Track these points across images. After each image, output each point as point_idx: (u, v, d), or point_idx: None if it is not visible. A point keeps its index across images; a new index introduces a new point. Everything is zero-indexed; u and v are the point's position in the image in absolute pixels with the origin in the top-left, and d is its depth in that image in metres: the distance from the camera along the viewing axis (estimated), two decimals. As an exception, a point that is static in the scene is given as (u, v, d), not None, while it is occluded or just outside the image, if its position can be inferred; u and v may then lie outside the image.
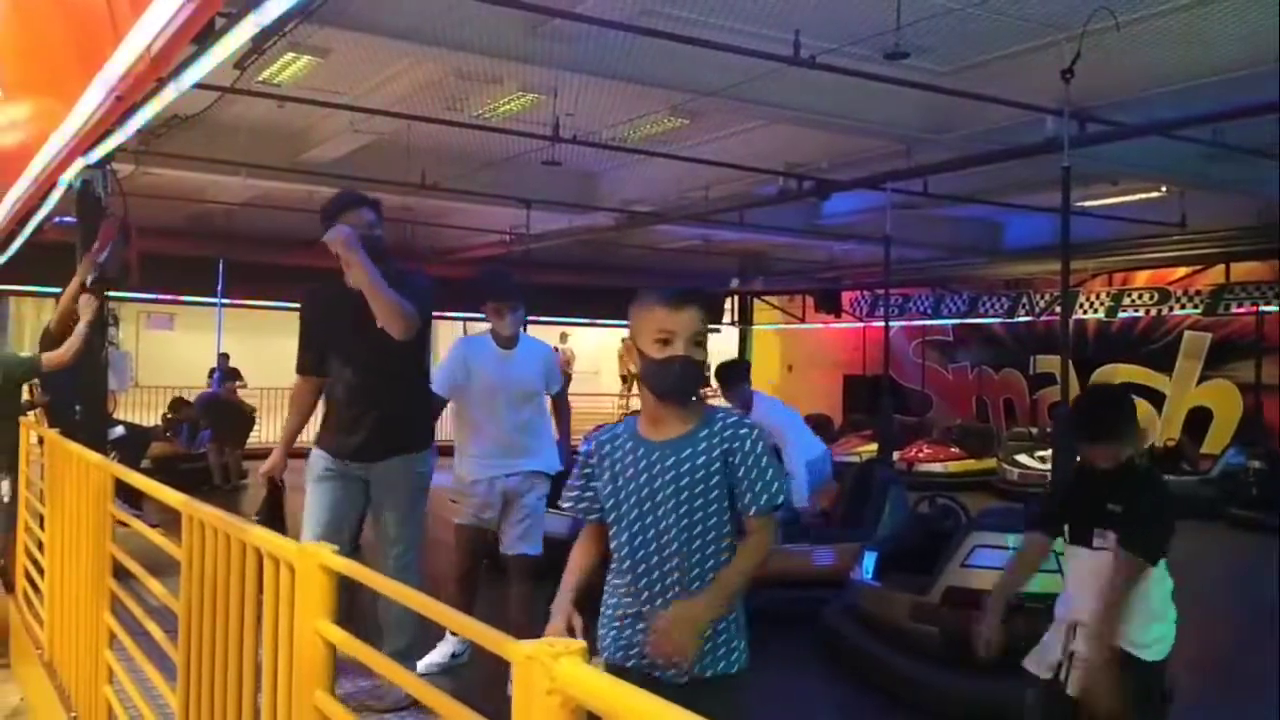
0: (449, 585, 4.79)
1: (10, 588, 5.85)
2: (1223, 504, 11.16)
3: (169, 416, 12.99)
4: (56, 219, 6.58)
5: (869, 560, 5.78)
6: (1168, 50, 6.88)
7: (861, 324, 18.60)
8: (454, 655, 4.83)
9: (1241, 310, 13.48)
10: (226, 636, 2.39)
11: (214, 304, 16.15)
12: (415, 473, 4.04)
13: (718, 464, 2.28)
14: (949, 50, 7.13)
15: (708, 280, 18.30)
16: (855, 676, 5.42)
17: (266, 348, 13.13)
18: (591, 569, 2.44)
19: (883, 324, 11.46)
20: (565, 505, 2.50)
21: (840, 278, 18.13)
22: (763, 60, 6.55)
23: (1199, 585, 6.50)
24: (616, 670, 2.28)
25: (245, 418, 12.85)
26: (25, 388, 6.39)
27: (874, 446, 12.84)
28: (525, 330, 4.96)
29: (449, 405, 4.90)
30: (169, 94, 3.92)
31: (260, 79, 7.86)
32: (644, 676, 2.26)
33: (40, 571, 4.90)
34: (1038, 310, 15.81)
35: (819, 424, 11.99)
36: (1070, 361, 7.34)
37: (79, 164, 5.16)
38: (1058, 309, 14.46)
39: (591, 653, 1.29)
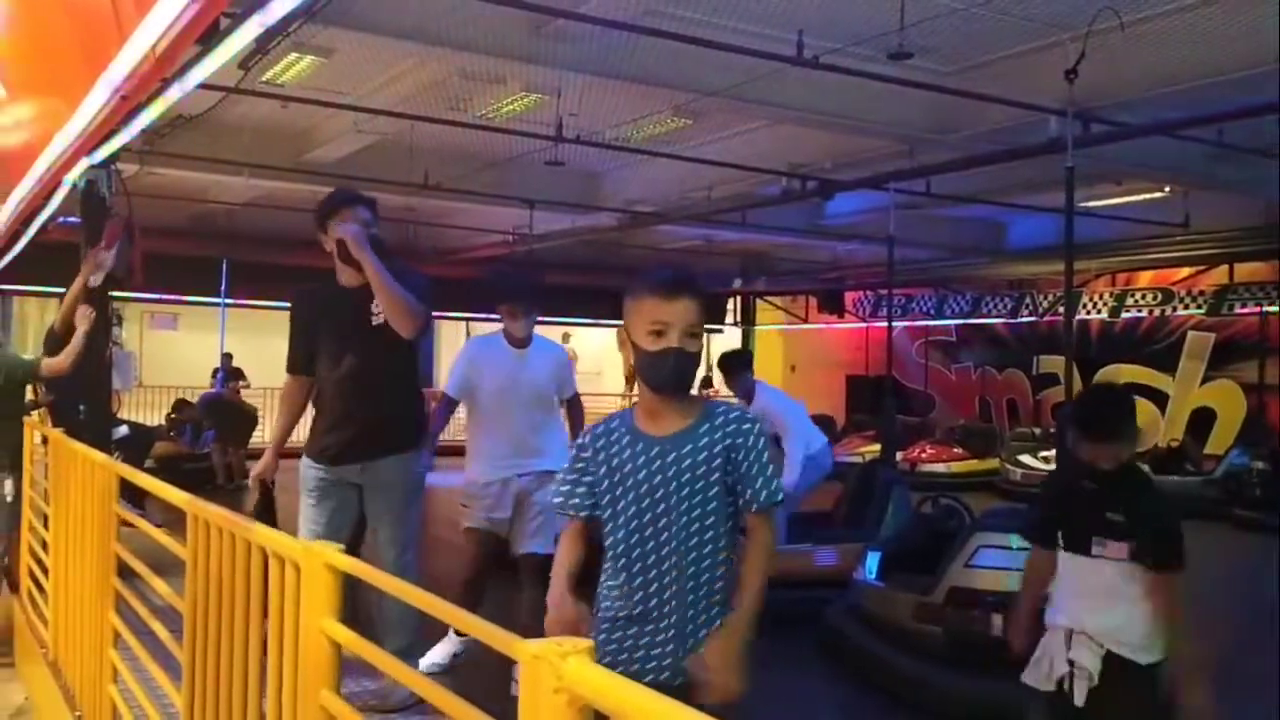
0: (456, 588, 4.74)
1: (14, 587, 5.85)
2: (1226, 505, 11.16)
3: (173, 416, 13.02)
4: (60, 219, 6.58)
5: (872, 560, 5.78)
6: (1172, 50, 6.87)
7: (864, 324, 18.60)
8: (455, 656, 4.82)
9: (1245, 311, 13.48)
10: (232, 636, 2.40)
11: (217, 304, 16.17)
12: (408, 472, 4.00)
13: (720, 459, 2.22)
14: (953, 50, 7.13)
15: (710, 280, 18.29)
16: (858, 677, 5.41)
17: (269, 348, 13.04)
18: (578, 564, 2.36)
19: (886, 324, 11.46)
20: (556, 501, 2.39)
21: (843, 278, 18.14)
22: (766, 60, 6.55)
23: (1202, 586, 6.49)
24: None
25: (248, 418, 12.87)
26: (29, 388, 6.40)
27: (877, 447, 12.86)
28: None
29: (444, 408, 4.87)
30: (173, 94, 3.92)
31: (264, 79, 7.87)
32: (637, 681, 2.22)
33: (44, 571, 4.91)
34: (1041, 310, 15.81)
35: (822, 424, 11.92)
36: (1073, 362, 7.33)
37: (83, 164, 5.16)
38: (1061, 309, 14.50)
39: None
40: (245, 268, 15.56)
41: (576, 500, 2.34)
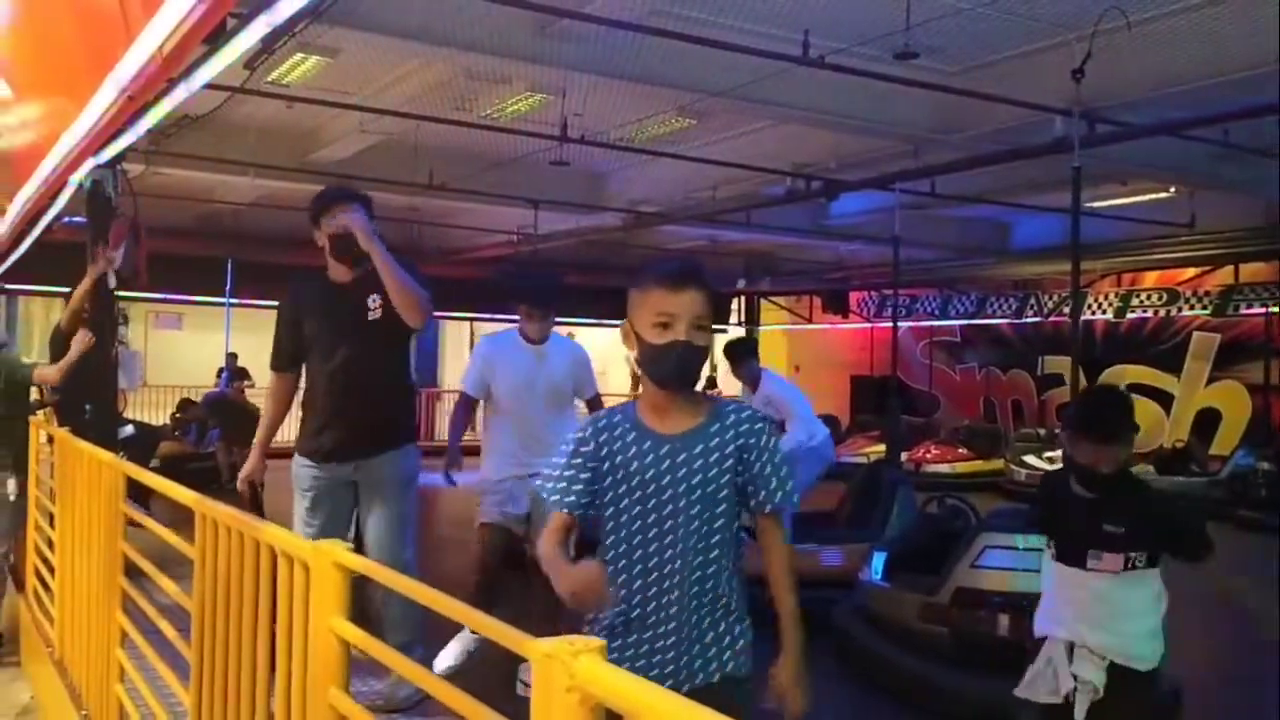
0: (469, 587, 4.68)
1: (20, 586, 5.87)
2: (1231, 506, 11.13)
3: (178, 416, 13.03)
4: (66, 219, 6.60)
5: (878, 561, 5.76)
6: (1178, 50, 6.86)
7: (869, 324, 18.58)
8: (469, 654, 4.79)
9: (1251, 311, 13.46)
10: (240, 635, 2.40)
11: (222, 304, 16.17)
12: (402, 468, 3.97)
13: (731, 460, 2.15)
14: (958, 50, 7.12)
15: (715, 281, 18.24)
16: (864, 677, 5.41)
17: (274, 347, 13.14)
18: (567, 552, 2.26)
19: (890, 324, 11.45)
20: (552, 497, 2.22)
21: (848, 278, 18.11)
22: (771, 60, 6.55)
23: (1203, 587, 6.49)
24: None
25: (253, 417, 12.80)
26: (34, 387, 6.45)
27: (882, 447, 12.87)
28: None
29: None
30: (179, 94, 3.91)
31: (269, 79, 7.88)
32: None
33: (50, 570, 4.91)
34: (1046, 311, 15.78)
35: (827, 424, 11.94)
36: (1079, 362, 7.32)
37: (90, 164, 5.17)
38: (1066, 309, 14.49)
39: None
40: (250, 267, 15.55)
41: (574, 496, 2.21)
